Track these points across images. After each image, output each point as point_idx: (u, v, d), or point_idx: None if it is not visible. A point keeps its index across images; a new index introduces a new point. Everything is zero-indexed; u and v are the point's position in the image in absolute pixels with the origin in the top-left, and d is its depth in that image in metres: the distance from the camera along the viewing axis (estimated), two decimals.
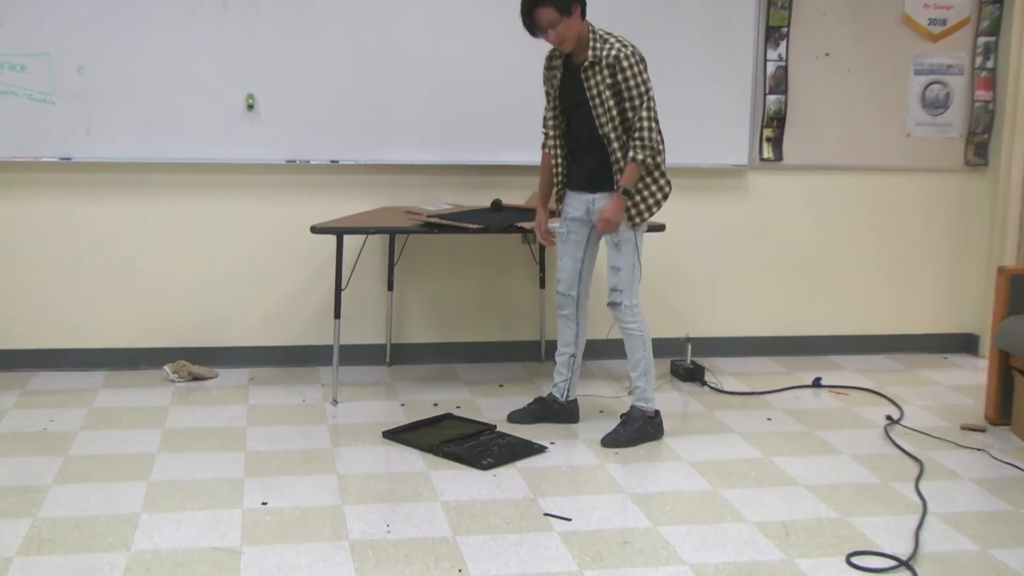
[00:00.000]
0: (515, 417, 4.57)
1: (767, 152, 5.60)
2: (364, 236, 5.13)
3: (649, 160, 4.14)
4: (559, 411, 4.58)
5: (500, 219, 4.79)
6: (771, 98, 5.54)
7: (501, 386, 5.13)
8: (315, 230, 4.66)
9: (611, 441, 4.32)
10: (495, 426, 4.48)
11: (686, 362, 5.33)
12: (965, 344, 5.96)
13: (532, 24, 4.10)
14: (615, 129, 4.15)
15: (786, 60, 5.52)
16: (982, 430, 4.64)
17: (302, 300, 5.34)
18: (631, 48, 4.12)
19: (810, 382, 5.30)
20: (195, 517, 3.57)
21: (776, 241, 5.75)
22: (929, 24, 5.65)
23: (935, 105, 5.71)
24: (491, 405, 4.79)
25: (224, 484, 3.85)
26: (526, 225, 4.64)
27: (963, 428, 4.66)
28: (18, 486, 3.79)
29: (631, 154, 4.12)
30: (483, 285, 5.51)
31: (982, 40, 5.68)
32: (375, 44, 5.12)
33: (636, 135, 4.12)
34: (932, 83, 5.69)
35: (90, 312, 5.15)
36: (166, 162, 5.06)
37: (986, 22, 5.66)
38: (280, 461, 4.09)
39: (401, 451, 4.23)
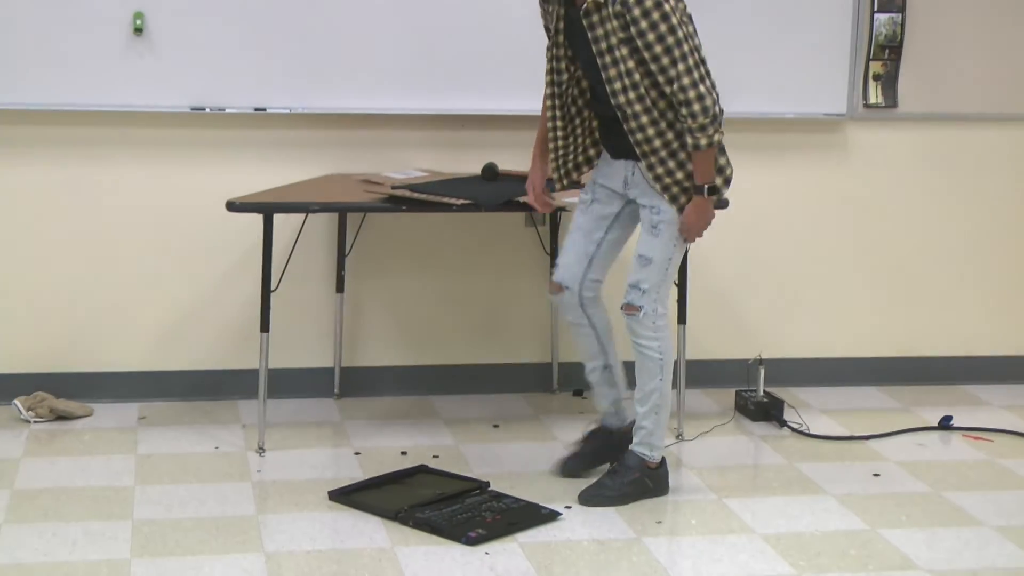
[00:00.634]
0: (570, 468, 4.60)
1: (875, 96, 5.59)
2: (303, 215, 5.13)
3: (718, 137, 4.15)
4: (621, 441, 4.57)
5: (494, 192, 4.78)
6: (881, 17, 5.54)
7: (496, 426, 5.13)
8: (233, 207, 4.65)
9: (593, 496, 4.38)
10: (488, 483, 4.48)
11: (758, 394, 5.33)
12: None
13: None
14: (641, 99, 4.15)
15: None
16: None
17: (214, 307, 5.34)
18: None
19: (935, 422, 5.30)
20: None
21: (886, 224, 5.74)
22: None
23: None
24: (482, 453, 4.79)
25: (102, 569, 3.82)
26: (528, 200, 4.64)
27: None
28: None
29: (688, 141, 4.14)
30: (471, 285, 5.51)
31: None
32: None
33: (684, 111, 4.11)
34: None
35: None
36: (13, 109, 5.04)
37: None
38: (183, 535, 4.07)
39: (355, 519, 4.22)
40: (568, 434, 4.82)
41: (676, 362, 4.90)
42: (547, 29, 4.36)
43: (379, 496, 4.36)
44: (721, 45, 5.10)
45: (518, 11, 5.08)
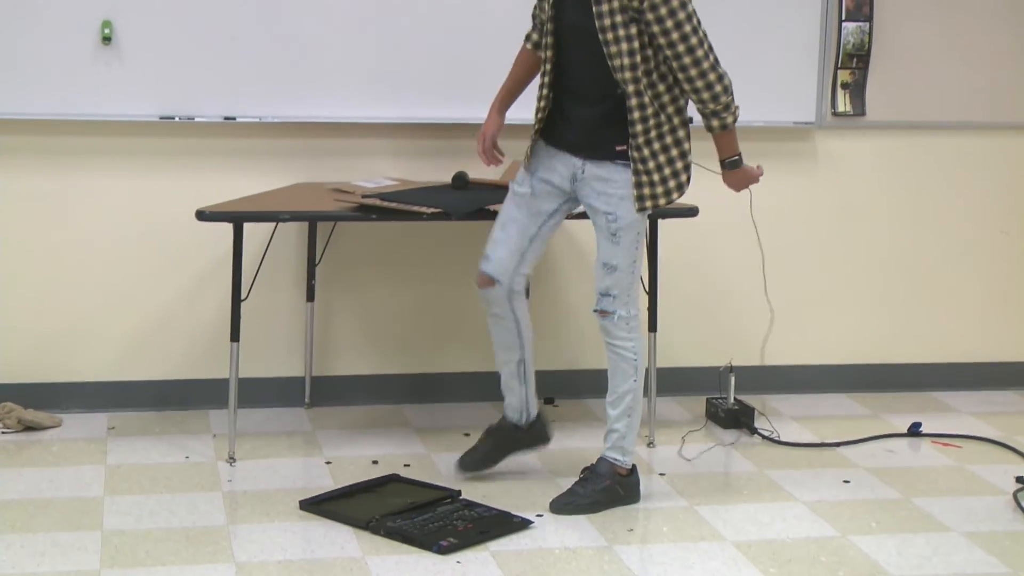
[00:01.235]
0: (467, 463, 4.64)
1: (843, 104, 5.61)
2: (272, 224, 5.12)
3: (731, 120, 4.24)
4: (523, 438, 4.65)
5: (465, 200, 4.78)
6: (849, 26, 5.56)
7: (467, 435, 5.10)
8: (202, 216, 4.63)
9: (564, 504, 4.38)
10: (459, 492, 4.48)
11: (728, 401, 5.34)
12: None
13: None
14: (637, 80, 4.15)
15: None
16: None
17: (184, 316, 5.32)
18: None
19: (905, 429, 5.32)
20: None
21: (854, 232, 5.76)
22: None
23: None
24: (453, 462, 4.76)
25: None
26: (499, 208, 4.63)
27: None
28: None
29: (712, 123, 4.23)
30: (441, 294, 5.51)
31: None
32: None
33: (707, 94, 4.16)
34: None
35: None
36: None
37: None
38: (153, 546, 4.05)
39: (326, 528, 4.22)
40: None
41: (647, 369, 4.92)
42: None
43: (350, 505, 4.35)
44: None
45: (488, 20, 5.09)
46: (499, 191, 4.82)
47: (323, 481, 4.61)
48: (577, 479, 4.48)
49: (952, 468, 4.94)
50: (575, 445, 4.95)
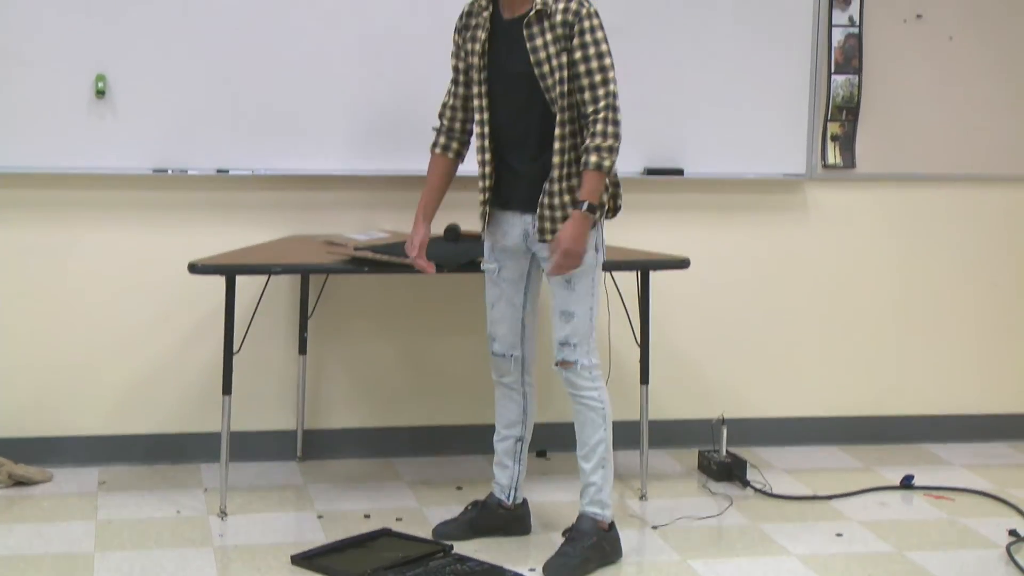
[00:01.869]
0: (443, 531, 4.60)
1: (833, 156, 5.64)
2: (265, 277, 5.12)
3: (608, 163, 4.13)
4: (505, 518, 4.61)
5: (457, 252, 4.78)
6: (838, 79, 5.59)
7: (459, 488, 5.11)
8: (195, 269, 4.63)
9: (558, 567, 4.31)
10: (451, 546, 4.46)
11: (720, 454, 5.33)
12: None
13: None
14: (562, 111, 4.17)
15: (859, 24, 5.58)
16: None
17: (176, 369, 5.31)
18: (595, 8, 4.15)
19: (897, 482, 5.31)
20: None
21: (845, 284, 5.77)
22: None
23: None
24: (445, 516, 4.74)
25: None
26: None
27: None
28: None
29: (591, 159, 4.12)
30: (433, 346, 5.51)
31: None
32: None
33: (595, 127, 4.12)
34: None
35: None
36: None
37: None
38: None
39: None
40: (531, 495, 4.80)
41: (639, 423, 4.93)
42: (455, 69, 4.41)
43: (342, 560, 4.34)
44: (682, 107, 5.14)
45: None
46: None
47: (315, 535, 4.59)
48: (563, 540, 4.44)
49: (945, 521, 4.93)
50: (567, 499, 4.92)
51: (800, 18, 5.51)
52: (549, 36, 4.14)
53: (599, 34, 4.13)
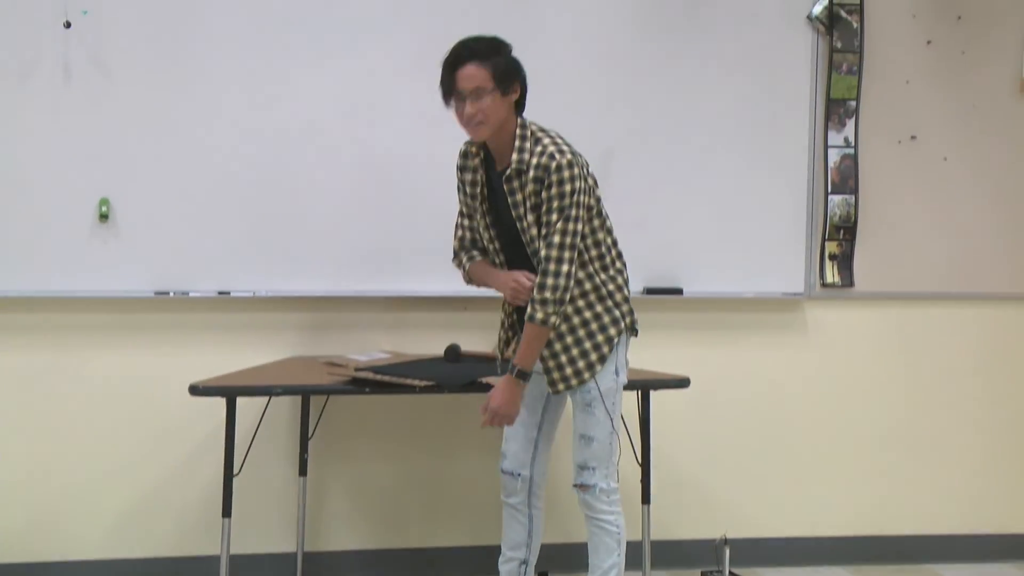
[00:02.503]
0: None
1: (831, 275, 5.66)
2: (266, 398, 5.11)
3: (554, 320, 4.14)
4: None
5: (458, 372, 4.77)
6: (835, 199, 5.63)
7: None
8: (196, 390, 4.63)
9: None
10: None
11: (723, 574, 5.29)
12: None
13: (452, 83, 4.18)
14: None
15: (855, 146, 5.63)
16: None
17: (175, 491, 5.29)
18: (570, 156, 4.14)
19: None
20: None
21: (847, 403, 5.77)
22: None
23: None
24: None
25: None
26: (494, 381, 4.63)
27: None
28: None
29: (527, 310, 4.15)
30: (435, 467, 5.49)
31: None
32: (280, 125, 5.19)
33: (539, 279, 4.14)
34: None
35: None
36: None
37: None
38: None
39: None
40: None
41: (641, 543, 4.88)
42: (462, 203, 4.45)
43: None
44: (681, 226, 5.18)
45: None
46: (491, 363, 4.82)
47: None
48: None
49: None
50: None
51: (796, 139, 5.56)
52: (528, 190, 4.18)
53: (566, 187, 4.12)
